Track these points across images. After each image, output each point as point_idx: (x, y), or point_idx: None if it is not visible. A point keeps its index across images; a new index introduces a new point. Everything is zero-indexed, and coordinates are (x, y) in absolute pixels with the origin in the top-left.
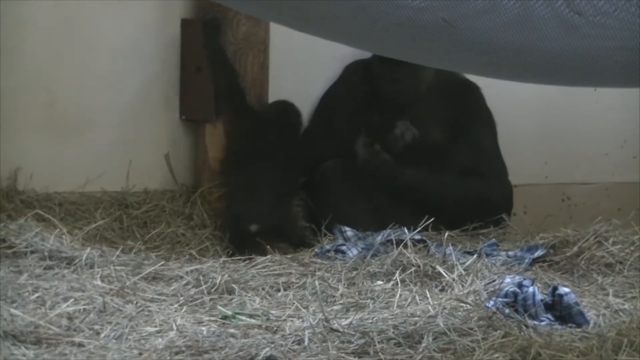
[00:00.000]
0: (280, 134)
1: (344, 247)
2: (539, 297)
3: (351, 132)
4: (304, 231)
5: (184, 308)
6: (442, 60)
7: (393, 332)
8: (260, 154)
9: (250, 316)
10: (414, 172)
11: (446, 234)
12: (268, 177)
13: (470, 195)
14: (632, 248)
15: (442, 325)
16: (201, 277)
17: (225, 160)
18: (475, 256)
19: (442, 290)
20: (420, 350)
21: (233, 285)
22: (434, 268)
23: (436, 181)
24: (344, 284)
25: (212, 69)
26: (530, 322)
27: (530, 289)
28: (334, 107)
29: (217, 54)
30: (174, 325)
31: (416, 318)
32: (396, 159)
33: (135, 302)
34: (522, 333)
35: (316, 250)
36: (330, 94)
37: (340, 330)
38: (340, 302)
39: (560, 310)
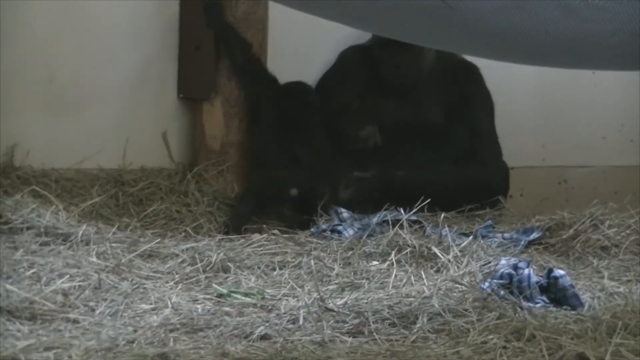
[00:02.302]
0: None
1: (340, 227)
2: (534, 279)
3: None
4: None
5: (179, 286)
6: (441, 41)
7: (388, 313)
8: (284, 121)
9: (246, 295)
10: (405, 174)
11: (442, 215)
12: (295, 144)
13: (465, 182)
14: (627, 231)
15: (437, 306)
16: (197, 255)
17: (250, 131)
18: (471, 238)
19: (437, 271)
20: (415, 330)
21: (228, 263)
22: (429, 249)
23: (429, 175)
24: (340, 264)
25: (225, 46)
26: (525, 304)
27: (526, 271)
28: (331, 94)
29: (226, 31)
30: (169, 302)
31: (411, 299)
32: (394, 139)
33: (130, 279)
34: (516, 315)
35: (312, 229)
36: (326, 80)
37: (335, 310)
38: (336, 281)
39: (555, 293)
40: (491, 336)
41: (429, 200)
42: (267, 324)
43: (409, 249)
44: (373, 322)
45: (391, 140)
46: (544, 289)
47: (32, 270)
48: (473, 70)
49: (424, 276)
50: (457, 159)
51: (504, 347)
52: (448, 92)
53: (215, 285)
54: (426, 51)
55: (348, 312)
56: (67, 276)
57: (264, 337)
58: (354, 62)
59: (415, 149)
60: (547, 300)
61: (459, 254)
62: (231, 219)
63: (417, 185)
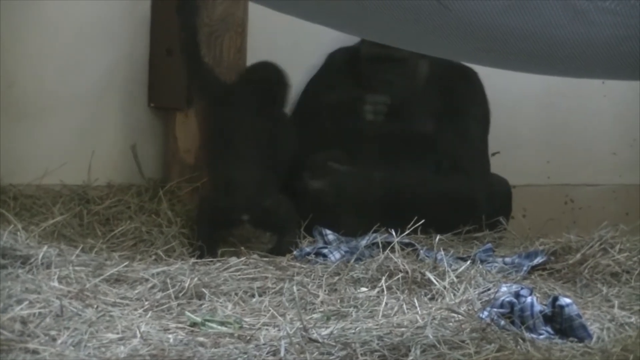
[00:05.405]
0: (263, 107)
1: (325, 250)
2: (537, 308)
3: (338, 124)
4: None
5: (149, 314)
6: (436, 46)
7: (377, 344)
8: (242, 139)
9: (222, 324)
10: (383, 175)
11: (437, 237)
12: (251, 163)
13: (443, 193)
14: None
15: (431, 337)
16: (168, 280)
17: (205, 148)
18: (468, 262)
19: (432, 299)
20: None
21: (203, 289)
22: (423, 274)
23: (408, 180)
24: (325, 290)
25: (186, 54)
26: (527, 335)
27: (529, 299)
28: (319, 98)
29: (193, 40)
30: (137, 332)
31: (403, 329)
32: (379, 148)
33: (95, 306)
34: (518, 347)
35: (295, 252)
36: (313, 84)
37: (320, 340)
38: (321, 310)
39: (561, 323)
40: None
41: (406, 209)
42: (245, 356)
43: (400, 275)
44: (361, 354)
45: (373, 152)
46: (548, 319)
47: None
48: (469, 75)
49: (417, 304)
50: (438, 170)
51: None
52: (442, 99)
53: (189, 313)
54: (421, 64)
55: (334, 343)
56: (26, 302)
57: None
58: (343, 65)
59: (397, 161)
60: (552, 331)
61: (455, 280)
62: (207, 241)
63: (394, 188)
